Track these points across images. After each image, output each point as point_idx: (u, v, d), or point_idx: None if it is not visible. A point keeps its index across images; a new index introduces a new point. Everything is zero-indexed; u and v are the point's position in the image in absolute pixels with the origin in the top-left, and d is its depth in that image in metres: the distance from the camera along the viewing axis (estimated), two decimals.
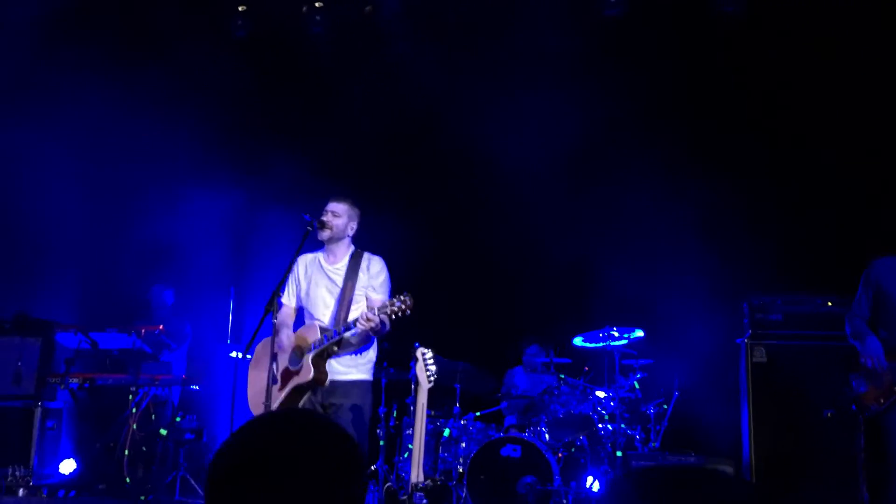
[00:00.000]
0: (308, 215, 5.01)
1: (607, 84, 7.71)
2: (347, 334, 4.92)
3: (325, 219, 5.10)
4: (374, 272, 5.11)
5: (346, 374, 5.01)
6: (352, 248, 5.18)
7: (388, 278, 5.15)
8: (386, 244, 5.45)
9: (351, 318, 4.95)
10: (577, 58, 7.76)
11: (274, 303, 4.78)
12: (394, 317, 4.76)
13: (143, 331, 7.12)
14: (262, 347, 5.13)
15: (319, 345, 4.89)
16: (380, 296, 5.06)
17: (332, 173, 7.95)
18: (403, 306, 4.74)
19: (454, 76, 8.10)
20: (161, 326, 7.29)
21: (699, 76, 7.92)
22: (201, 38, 8.16)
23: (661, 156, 7.65)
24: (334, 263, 5.15)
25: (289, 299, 5.18)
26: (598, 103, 7.68)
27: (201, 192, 8.18)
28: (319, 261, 5.16)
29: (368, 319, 4.76)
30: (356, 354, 5.05)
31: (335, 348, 4.93)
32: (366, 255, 5.16)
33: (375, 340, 5.16)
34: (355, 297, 5.05)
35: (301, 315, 5.23)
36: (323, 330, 4.93)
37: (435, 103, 8.18)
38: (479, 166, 8.46)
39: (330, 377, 4.95)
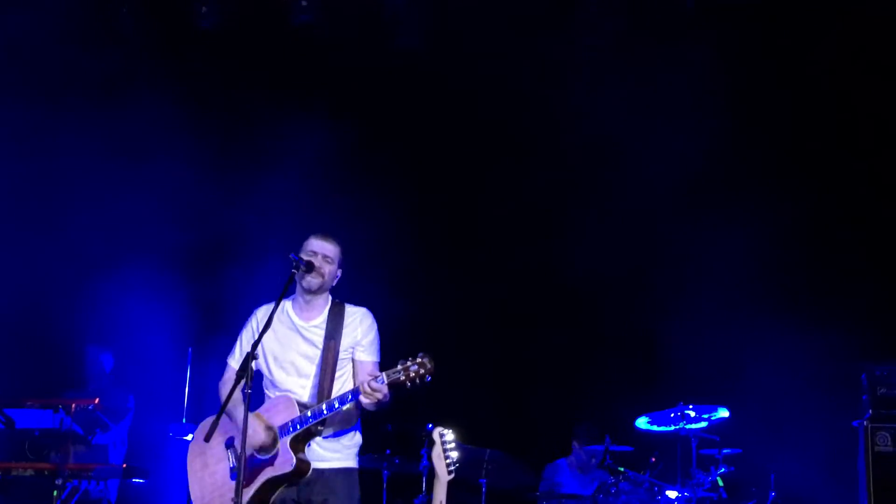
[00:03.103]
0: (296, 255, 5.05)
1: (691, 127, 8.09)
2: (342, 417, 4.96)
3: (315, 262, 5.12)
4: (362, 329, 5.19)
5: (329, 461, 5.07)
6: (330, 299, 5.26)
7: (378, 336, 5.25)
8: (396, 295, 5.55)
9: (336, 388, 5.05)
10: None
11: (248, 368, 4.72)
12: (408, 385, 4.74)
13: (73, 406, 7.08)
14: (208, 426, 5.06)
15: (300, 425, 4.93)
16: (370, 357, 5.17)
17: (317, 200, 8.15)
18: (423, 371, 4.72)
19: (472, 85, 8.43)
20: (97, 400, 7.30)
21: (805, 111, 8.33)
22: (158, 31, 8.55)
23: (753, 197, 7.95)
24: (311, 319, 5.20)
25: (238, 361, 5.17)
26: (677, 151, 8.06)
27: (148, 226, 8.33)
28: (290, 315, 5.21)
29: (373, 390, 4.77)
30: (342, 435, 5.13)
31: (320, 428, 5.00)
32: (348, 308, 5.24)
33: (360, 419, 5.22)
34: (339, 362, 5.13)
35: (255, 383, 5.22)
36: (303, 406, 4.98)
37: (448, 116, 8.54)
38: (512, 197, 8.72)
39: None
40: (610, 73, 8.33)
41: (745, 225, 7.92)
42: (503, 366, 8.59)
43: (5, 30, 8.00)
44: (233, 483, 4.93)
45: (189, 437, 6.86)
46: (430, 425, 5.14)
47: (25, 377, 7.96)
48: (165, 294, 8.31)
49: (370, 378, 4.81)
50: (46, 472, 6.90)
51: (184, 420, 7.38)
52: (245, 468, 4.82)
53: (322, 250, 5.16)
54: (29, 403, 7.14)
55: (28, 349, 8.32)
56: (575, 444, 8.05)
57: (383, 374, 4.79)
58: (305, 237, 5.25)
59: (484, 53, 8.45)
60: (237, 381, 4.77)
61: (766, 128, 8.39)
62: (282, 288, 5.00)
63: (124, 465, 7.28)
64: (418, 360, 4.74)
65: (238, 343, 5.26)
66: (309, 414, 4.92)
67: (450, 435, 4.90)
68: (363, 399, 4.81)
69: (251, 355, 4.75)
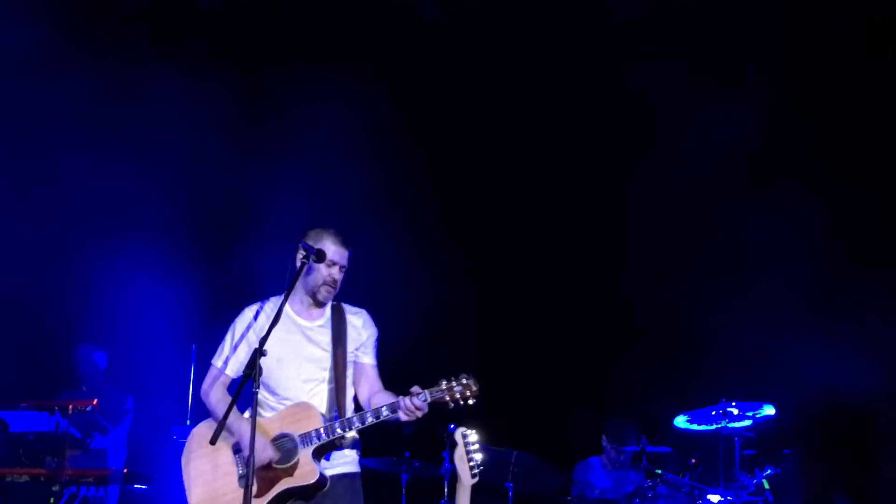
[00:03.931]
0: (307, 243, 4.99)
1: (736, 105, 8.04)
2: (370, 421, 4.94)
3: (338, 278, 5.12)
4: (367, 332, 5.27)
5: (335, 467, 5.08)
6: None
7: (378, 337, 5.34)
8: (419, 293, 5.53)
9: (348, 393, 5.09)
10: None
11: (256, 366, 4.70)
12: (451, 405, 4.85)
13: (70, 407, 7.13)
14: (207, 428, 5.12)
15: (329, 435, 4.95)
16: (372, 360, 5.28)
17: (329, 191, 8.14)
18: (468, 393, 4.83)
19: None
20: (95, 401, 7.33)
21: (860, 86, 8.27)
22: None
23: (803, 184, 7.94)
24: (314, 319, 5.22)
25: (230, 366, 5.17)
26: (717, 133, 8.03)
27: (146, 216, 8.33)
28: (288, 314, 5.15)
29: (416, 408, 4.83)
30: (349, 443, 5.14)
31: (343, 440, 5.04)
32: (347, 308, 5.29)
33: None
34: (347, 366, 5.18)
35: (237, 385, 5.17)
36: (326, 417, 5.00)
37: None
38: (536, 176, 8.69)
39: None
40: (647, 46, 8.34)
41: (795, 212, 7.88)
42: (531, 362, 8.55)
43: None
44: (242, 491, 4.83)
45: None
46: (452, 426, 5.15)
47: (18, 377, 8.00)
48: (166, 287, 8.28)
49: (412, 395, 4.86)
50: (42, 478, 6.94)
51: (188, 422, 7.35)
52: (254, 476, 4.80)
53: (342, 260, 5.15)
54: (23, 405, 7.19)
55: (21, 347, 8.34)
56: (604, 440, 7.99)
57: (426, 392, 4.86)
58: (314, 225, 5.20)
59: (512, 24, 8.47)
60: (244, 380, 4.74)
61: (820, 105, 8.31)
62: (289, 280, 4.98)
63: (125, 471, 7.32)
64: (462, 381, 4.84)
65: (226, 343, 5.21)
66: (338, 425, 4.96)
67: (473, 436, 4.92)
68: (402, 416, 4.88)
69: (259, 352, 4.73)
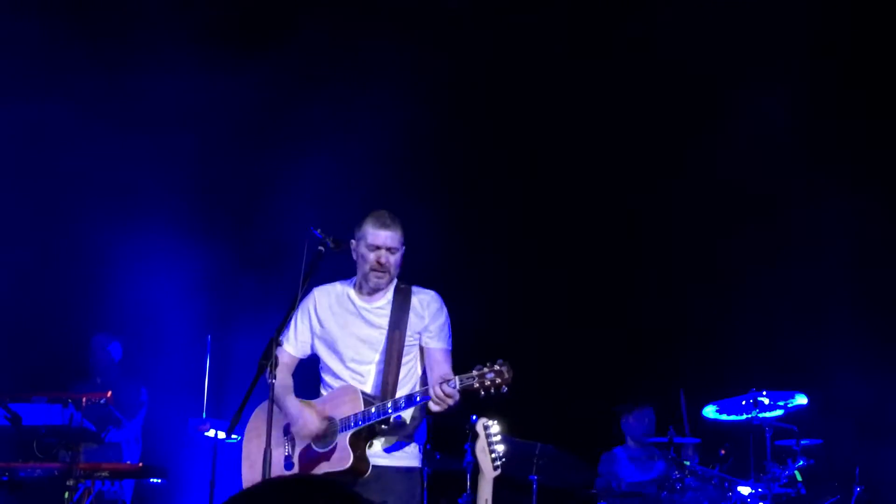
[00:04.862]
0: (318, 230, 4.99)
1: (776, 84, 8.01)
2: (407, 412, 4.94)
3: (382, 261, 5.06)
4: (429, 312, 5.19)
5: (389, 458, 5.08)
6: (395, 280, 5.26)
7: (448, 321, 5.24)
8: (445, 285, 5.52)
9: (402, 377, 5.07)
10: None
11: (272, 354, 4.76)
12: (482, 393, 4.72)
13: (83, 400, 7.08)
14: (262, 412, 5.12)
15: (363, 420, 4.94)
16: (440, 344, 5.17)
17: (357, 173, 8.19)
18: (499, 380, 4.71)
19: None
20: (109, 393, 7.32)
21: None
22: None
23: (843, 167, 7.96)
24: (374, 301, 5.23)
25: (293, 345, 5.21)
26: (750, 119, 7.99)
27: (159, 200, 8.38)
28: (349, 296, 5.23)
29: (445, 395, 4.75)
30: (406, 432, 5.13)
31: (384, 427, 5.01)
32: (415, 290, 5.25)
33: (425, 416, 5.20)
34: (406, 350, 5.14)
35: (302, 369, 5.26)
36: (368, 399, 4.99)
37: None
38: (559, 161, 8.70)
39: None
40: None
41: (832, 202, 7.84)
42: (556, 351, 8.53)
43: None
44: (286, 473, 4.99)
45: (211, 433, 7.24)
46: (474, 416, 5.06)
47: (31, 369, 8.04)
48: (181, 277, 8.30)
49: (441, 381, 4.80)
50: (56, 473, 6.89)
51: (203, 414, 7.35)
52: (298, 458, 5.03)
53: (386, 243, 5.10)
54: (36, 398, 7.12)
55: (33, 338, 8.35)
56: (622, 422, 8.07)
57: (456, 378, 4.78)
58: (341, 211, 5.30)
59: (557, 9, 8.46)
60: (259, 371, 4.80)
61: (870, 86, 8.22)
62: (304, 267, 4.97)
63: (140, 464, 7.31)
64: (496, 367, 4.72)
65: (294, 326, 5.25)
66: (373, 410, 4.94)
67: (495, 427, 4.88)
68: (431, 405, 4.82)
69: (275, 341, 4.79)
